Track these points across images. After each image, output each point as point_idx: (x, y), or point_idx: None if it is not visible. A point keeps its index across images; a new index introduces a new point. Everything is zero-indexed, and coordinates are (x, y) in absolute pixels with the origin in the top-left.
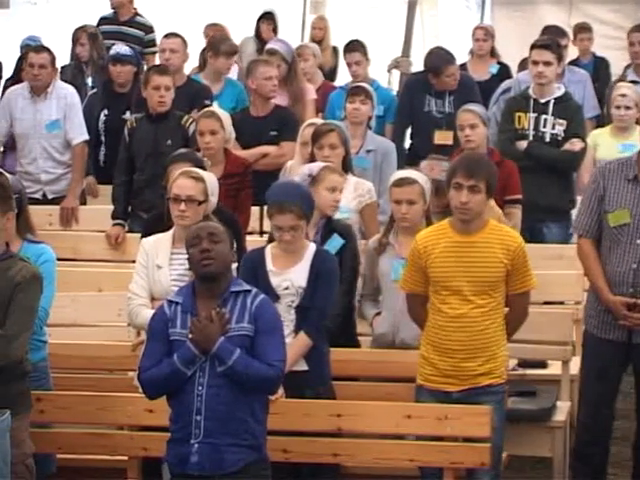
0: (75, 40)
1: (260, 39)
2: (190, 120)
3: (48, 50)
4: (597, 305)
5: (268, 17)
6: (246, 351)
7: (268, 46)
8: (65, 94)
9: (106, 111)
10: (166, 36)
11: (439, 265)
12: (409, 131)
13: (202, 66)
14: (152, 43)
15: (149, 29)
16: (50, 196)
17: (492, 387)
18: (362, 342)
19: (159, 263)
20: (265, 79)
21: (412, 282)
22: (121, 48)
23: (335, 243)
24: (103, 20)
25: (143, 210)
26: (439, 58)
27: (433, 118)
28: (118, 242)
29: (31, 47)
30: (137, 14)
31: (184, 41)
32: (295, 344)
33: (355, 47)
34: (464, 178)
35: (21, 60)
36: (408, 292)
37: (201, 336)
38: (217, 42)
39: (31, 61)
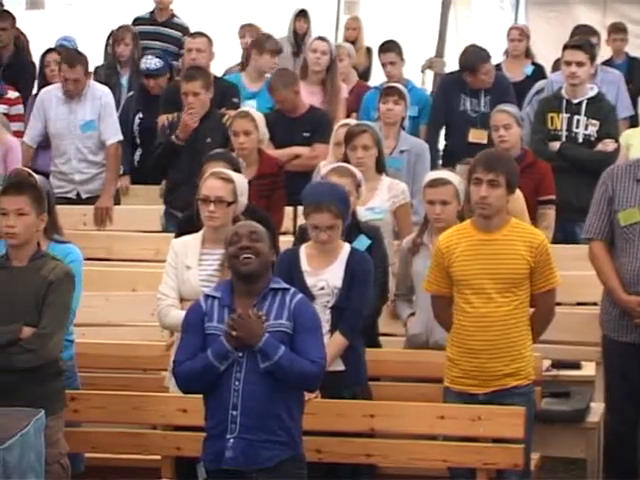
0: (118, 39)
1: (296, 36)
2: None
3: (81, 61)
4: (612, 309)
5: (303, 15)
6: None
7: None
8: (100, 95)
9: (141, 114)
10: (192, 35)
11: (461, 264)
12: (443, 131)
13: (244, 65)
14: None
15: (186, 30)
16: (84, 196)
17: (519, 388)
18: (395, 343)
19: (188, 264)
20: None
21: (436, 283)
22: (150, 63)
23: (361, 244)
24: (139, 20)
25: (178, 208)
26: (475, 56)
27: (468, 117)
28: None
29: (63, 58)
30: (174, 15)
31: (210, 40)
32: (331, 344)
33: (390, 47)
34: (483, 172)
35: (43, 58)
36: (433, 293)
37: (245, 332)
38: (262, 40)
39: (65, 75)
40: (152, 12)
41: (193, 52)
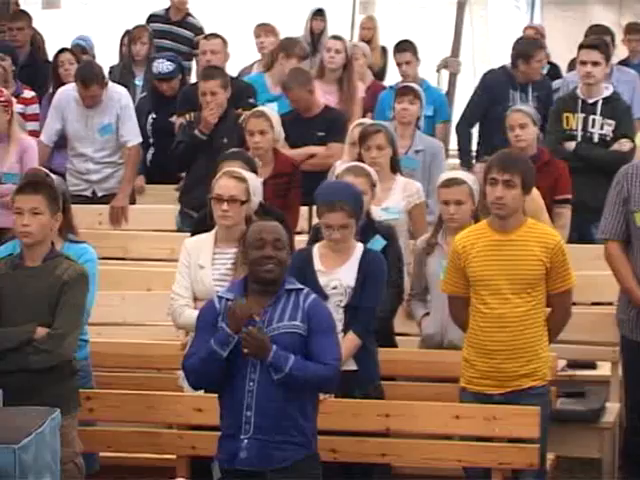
0: (135, 39)
1: (312, 35)
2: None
3: (96, 80)
4: (629, 310)
5: (320, 14)
6: (297, 349)
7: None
8: (119, 98)
9: (154, 114)
10: (206, 37)
11: (477, 265)
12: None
13: (269, 66)
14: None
15: (199, 31)
16: (100, 194)
17: (535, 389)
18: (410, 342)
19: (201, 263)
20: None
21: (452, 283)
22: (162, 66)
23: (376, 244)
24: (153, 17)
25: (193, 208)
26: (530, 43)
27: None
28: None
29: (78, 77)
30: (188, 14)
31: (224, 41)
32: (344, 344)
33: (406, 47)
34: (499, 173)
35: (56, 58)
36: (449, 294)
37: (255, 348)
38: (291, 44)
39: (81, 93)
40: (167, 10)
41: (208, 54)
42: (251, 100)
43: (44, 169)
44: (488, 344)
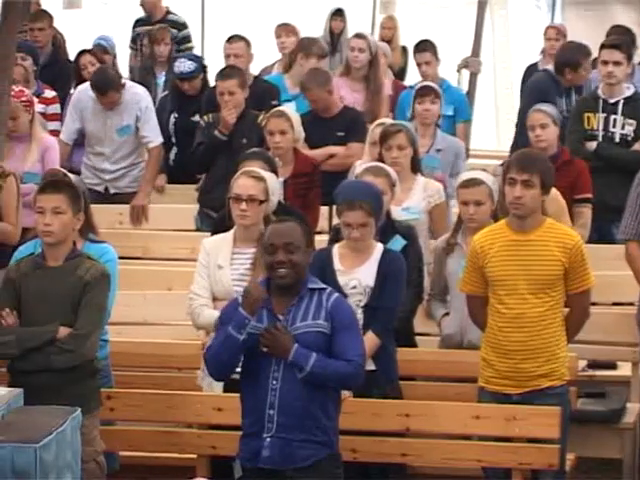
0: (158, 39)
1: (332, 35)
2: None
3: (112, 86)
4: None
5: (339, 14)
6: (321, 348)
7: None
8: (138, 99)
9: (176, 114)
10: (229, 40)
11: (496, 264)
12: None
13: (288, 66)
14: (187, 39)
15: (182, 26)
16: (112, 191)
17: (553, 389)
18: (430, 342)
19: (220, 263)
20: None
21: (471, 283)
22: (184, 66)
23: (396, 245)
24: (138, 22)
25: (212, 208)
26: (577, 51)
27: (565, 119)
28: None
29: (93, 86)
30: (169, 12)
31: (247, 43)
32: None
33: (426, 47)
34: (517, 173)
35: (77, 60)
36: (467, 293)
37: (276, 347)
38: (309, 43)
39: (98, 99)
40: (149, 12)
41: (231, 58)
42: (274, 102)
43: (62, 169)
44: (506, 344)
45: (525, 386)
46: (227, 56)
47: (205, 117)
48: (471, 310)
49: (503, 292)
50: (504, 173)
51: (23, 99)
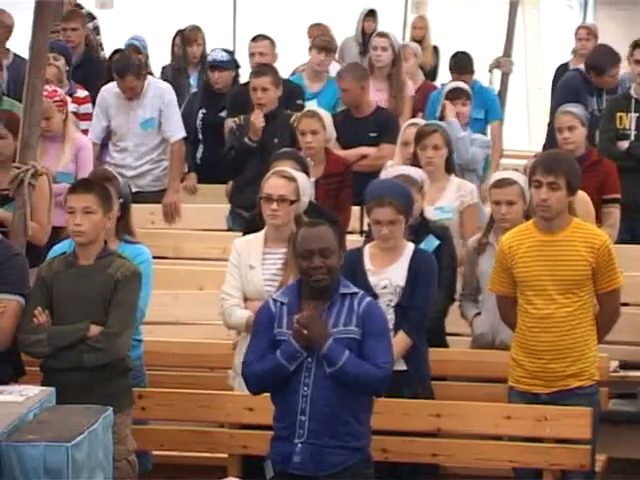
0: (191, 40)
1: (364, 36)
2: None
3: (130, 69)
4: None
5: (372, 15)
6: (353, 353)
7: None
8: (161, 93)
9: (204, 110)
10: (254, 39)
11: (523, 265)
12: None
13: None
14: (97, 30)
15: (90, 17)
16: (134, 189)
17: (582, 389)
18: (461, 342)
19: (252, 263)
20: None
21: (499, 283)
22: (218, 54)
23: (429, 245)
24: None
25: (244, 208)
26: (605, 58)
27: (596, 119)
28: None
29: (113, 69)
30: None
31: (272, 42)
32: (395, 344)
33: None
34: (543, 175)
35: (110, 60)
36: (496, 293)
37: (314, 332)
38: (316, 35)
39: (118, 85)
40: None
41: (256, 56)
42: (299, 101)
43: (112, 171)
44: (535, 344)
45: (554, 386)
46: (252, 55)
47: (236, 119)
48: (501, 310)
49: (531, 293)
50: (530, 175)
51: (56, 99)
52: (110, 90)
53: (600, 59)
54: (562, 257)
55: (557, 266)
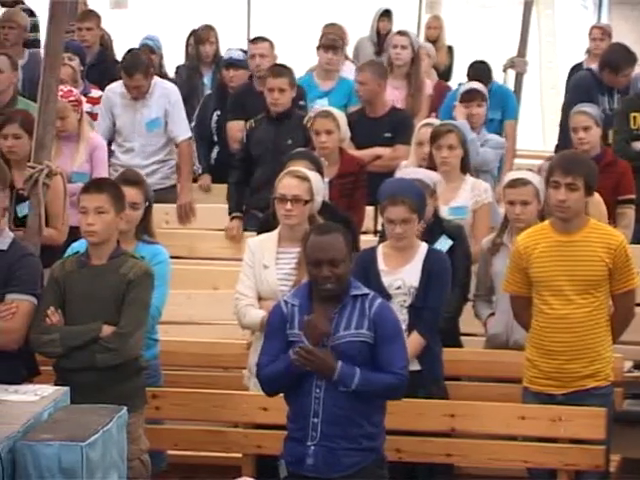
0: (203, 39)
1: (378, 36)
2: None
3: (139, 68)
4: None
5: (387, 15)
6: (365, 357)
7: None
8: (167, 93)
9: (218, 112)
10: (253, 41)
11: (539, 265)
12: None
13: None
14: (36, 27)
15: (29, 12)
16: None
17: (598, 389)
18: (475, 343)
19: (265, 263)
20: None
21: (514, 283)
22: (234, 53)
23: (443, 244)
24: None
25: (259, 209)
26: (621, 57)
27: (607, 118)
28: (239, 234)
29: (122, 67)
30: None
31: (271, 44)
32: (409, 344)
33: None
34: (561, 176)
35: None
36: (511, 293)
37: (316, 368)
38: (322, 35)
39: (125, 83)
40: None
41: (257, 58)
42: (301, 102)
43: (137, 171)
44: (551, 345)
45: (570, 386)
46: (252, 56)
47: (247, 125)
48: (514, 310)
49: (548, 293)
50: (547, 175)
51: (71, 99)
52: (115, 90)
53: (616, 57)
54: (579, 258)
55: (574, 267)
